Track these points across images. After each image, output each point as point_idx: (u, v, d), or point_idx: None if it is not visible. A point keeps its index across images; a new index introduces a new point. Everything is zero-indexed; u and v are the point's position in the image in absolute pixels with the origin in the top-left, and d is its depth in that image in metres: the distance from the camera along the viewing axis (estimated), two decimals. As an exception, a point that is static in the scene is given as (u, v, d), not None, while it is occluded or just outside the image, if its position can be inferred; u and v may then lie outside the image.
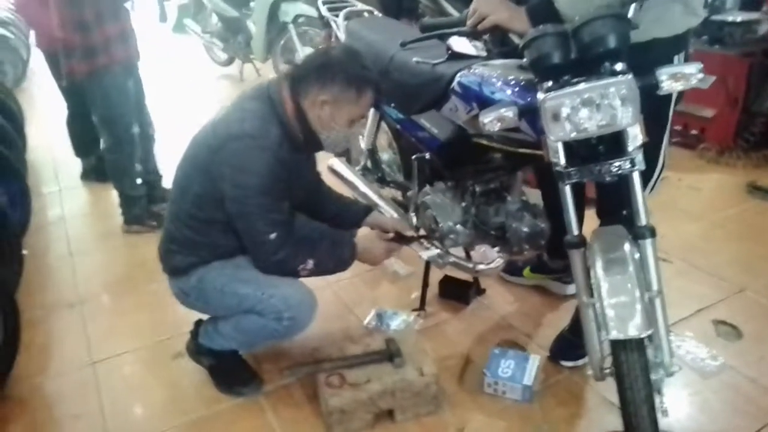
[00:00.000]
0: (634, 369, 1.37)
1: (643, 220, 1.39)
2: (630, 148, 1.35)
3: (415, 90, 2.01)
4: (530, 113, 1.43)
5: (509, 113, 1.43)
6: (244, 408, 1.92)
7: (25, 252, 2.54)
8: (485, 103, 1.62)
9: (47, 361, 2.19)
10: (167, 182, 2.86)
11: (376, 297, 2.46)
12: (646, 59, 1.35)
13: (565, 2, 1.42)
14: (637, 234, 1.40)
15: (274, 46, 5.28)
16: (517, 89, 1.59)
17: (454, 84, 1.80)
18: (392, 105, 2.23)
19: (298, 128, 1.72)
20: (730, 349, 2.09)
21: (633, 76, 1.30)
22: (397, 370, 1.82)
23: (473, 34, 1.70)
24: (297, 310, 1.78)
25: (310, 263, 1.76)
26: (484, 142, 1.78)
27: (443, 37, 1.82)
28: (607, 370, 1.48)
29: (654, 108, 1.45)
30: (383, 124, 2.53)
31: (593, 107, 1.31)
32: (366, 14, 2.70)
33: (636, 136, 1.34)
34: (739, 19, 3.40)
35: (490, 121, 1.44)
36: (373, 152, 2.60)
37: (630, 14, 1.32)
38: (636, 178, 1.37)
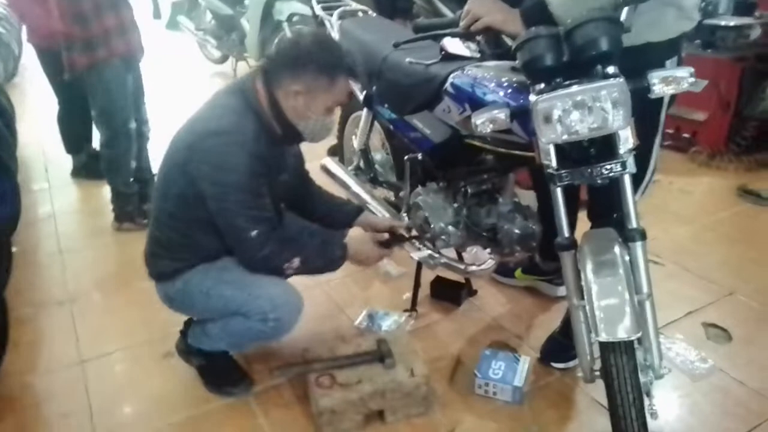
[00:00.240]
0: (623, 371, 1.37)
1: (633, 223, 1.40)
2: (621, 151, 1.35)
3: (408, 90, 2.01)
4: (522, 115, 1.43)
5: (501, 115, 1.43)
6: (234, 408, 1.91)
7: (14, 249, 2.52)
8: (477, 104, 1.62)
9: (36, 359, 2.18)
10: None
11: (367, 297, 2.45)
12: (639, 63, 1.35)
13: (558, 5, 1.43)
14: (628, 237, 1.40)
15: (268, 44, 5.26)
16: (509, 91, 1.59)
17: (447, 85, 1.80)
18: (385, 105, 2.22)
19: (275, 120, 1.70)
20: (720, 351, 2.10)
21: (625, 80, 1.31)
22: (388, 370, 1.82)
23: (466, 36, 1.70)
24: (282, 311, 1.76)
25: (296, 261, 1.74)
26: (477, 143, 1.78)
27: (437, 38, 1.83)
28: (597, 372, 1.48)
29: (646, 111, 1.46)
30: (376, 124, 2.52)
31: (585, 110, 1.32)
32: (360, 14, 2.70)
33: (627, 139, 1.35)
34: (731, 23, 3.41)
35: (482, 122, 1.44)
36: (365, 152, 2.59)
37: (622, 17, 1.33)
38: (627, 181, 1.38)
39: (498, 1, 1.57)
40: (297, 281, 1.97)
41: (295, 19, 5.04)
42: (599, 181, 1.38)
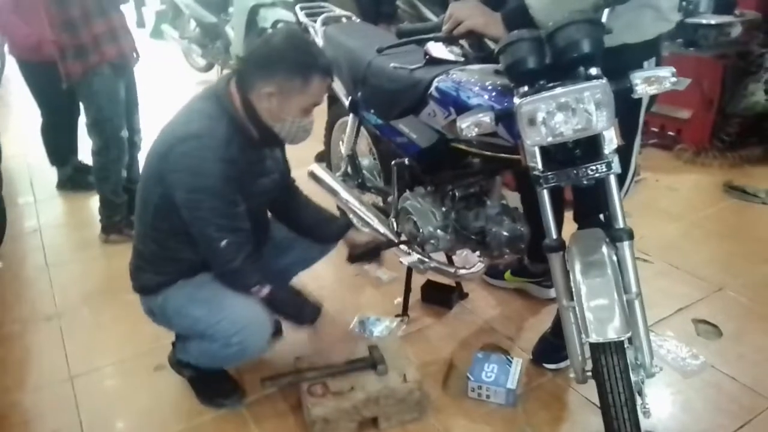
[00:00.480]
0: (615, 371, 1.38)
1: (620, 223, 1.41)
2: (606, 152, 1.36)
3: (393, 95, 2.01)
4: (507, 118, 1.44)
5: (486, 118, 1.43)
6: (227, 420, 1.89)
7: (0, 264, 2.49)
8: (462, 108, 1.63)
9: (25, 375, 2.15)
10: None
11: (358, 303, 2.44)
12: (617, 64, 1.35)
13: (539, 8, 1.43)
14: (615, 237, 1.41)
15: (253, 51, 5.25)
16: (493, 94, 1.59)
17: (432, 89, 1.81)
18: (371, 110, 2.22)
19: (251, 123, 1.65)
20: (711, 347, 2.11)
21: (607, 81, 1.31)
22: (381, 377, 1.81)
23: (449, 40, 1.70)
24: (245, 334, 1.69)
25: (266, 290, 1.68)
26: (463, 147, 1.78)
27: (420, 43, 1.83)
28: (589, 373, 1.48)
29: (625, 112, 1.46)
30: (363, 130, 2.52)
31: (569, 111, 1.32)
32: (344, 20, 2.69)
33: (611, 140, 1.35)
34: (712, 21, 3.45)
35: (467, 126, 1.44)
36: (353, 158, 2.59)
37: (603, 19, 1.34)
38: (612, 181, 1.39)
39: (480, 5, 1.58)
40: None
41: (279, 25, 5.03)
42: (585, 182, 1.38)
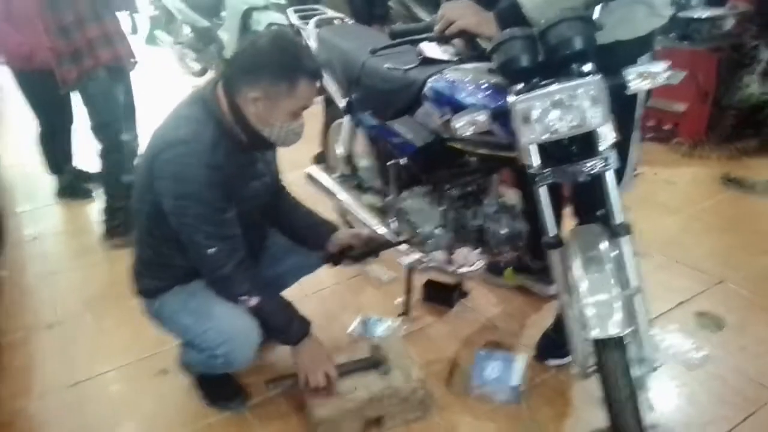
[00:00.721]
0: (617, 367, 1.38)
1: (618, 218, 1.40)
2: (602, 148, 1.36)
3: (388, 96, 2.02)
4: (502, 116, 1.44)
5: (481, 117, 1.43)
6: (231, 422, 1.90)
7: (3, 273, 2.50)
8: (457, 107, 1.63)
9: (29, 383, 2.15)
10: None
11: (359, 304, 2.45)
12: (611, 61, 1.35)
13: (531, 6, 1.43)
14: (614, 232, 1.41)
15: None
16: (488, 93, 1.59)
17: (426, 89, 1.81)
18: (366, 111, 2.23)
19: (239, 127, 1.62)
20: (713, 340, 2.11)
21: (602, 77, 1.32)
22: (384, 377, 1.82)
23: (441, 40, 1.70)
24: (230, 346, 1.68)
25: (254, 301, 1.67)
26: (459, 146, 1.78)
27: (413, 43, 1.83)
28: (591, 369, 1.48)
29: (621, 107, 1.46)
30: (359, 131, 2.52)
31: (563, 108, 1.32)
32: (337, 21, 2.70)
33: (607, 136, 1.35)
34: (705, 15, 3.46)
35: (462, 125, 1.44)
36: (349, 159, 2.59)
37: (595, 16, 1.34)
38: (609, 176, 1.38)
39: (472, 4, 1.58)
40: (287, 291, 1.97)
41: (272, 29, 5.04)
42: (582, 179, 1.38)
